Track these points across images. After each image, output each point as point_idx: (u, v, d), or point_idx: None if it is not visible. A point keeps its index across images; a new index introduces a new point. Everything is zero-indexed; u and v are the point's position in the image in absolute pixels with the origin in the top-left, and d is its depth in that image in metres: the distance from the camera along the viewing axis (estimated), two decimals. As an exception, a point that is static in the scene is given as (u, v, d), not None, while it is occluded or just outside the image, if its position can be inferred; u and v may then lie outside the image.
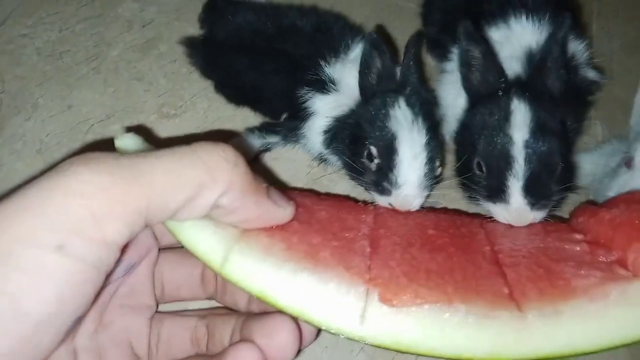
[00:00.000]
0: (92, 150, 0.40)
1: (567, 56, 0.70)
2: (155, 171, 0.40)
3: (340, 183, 0.73)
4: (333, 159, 0.72)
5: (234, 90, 0.81)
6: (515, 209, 0.61)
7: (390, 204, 0.63)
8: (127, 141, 0.50)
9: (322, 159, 0.73)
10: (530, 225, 0.61)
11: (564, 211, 0.65)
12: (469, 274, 0.50)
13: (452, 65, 0.75)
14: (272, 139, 0.75)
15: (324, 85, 0.71)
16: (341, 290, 0.46)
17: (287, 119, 0.77)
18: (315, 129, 0.71)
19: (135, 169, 0.39)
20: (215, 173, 0.42)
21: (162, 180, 0.40)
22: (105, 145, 0.74)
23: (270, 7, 0.79)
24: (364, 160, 0.65)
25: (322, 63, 0.71)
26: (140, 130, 0.77)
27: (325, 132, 0.70)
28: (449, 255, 0.52)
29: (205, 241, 0.47)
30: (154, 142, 0.74)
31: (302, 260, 0.48)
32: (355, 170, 0.66)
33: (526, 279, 0.49)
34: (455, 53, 0.75)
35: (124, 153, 0.47)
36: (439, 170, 0.67)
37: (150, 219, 0.40)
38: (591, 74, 0.75)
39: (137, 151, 0.49)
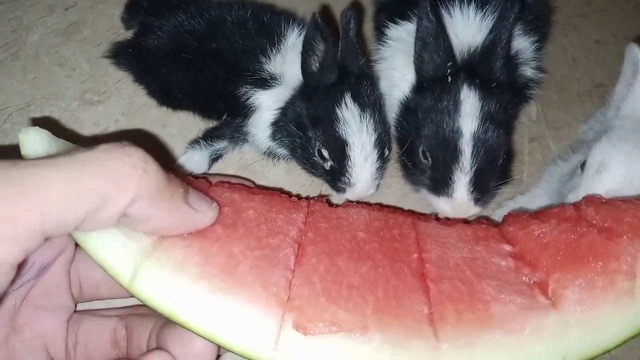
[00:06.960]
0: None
1: (512, 52, 0.67)
2: (50, 184, 0.36)
3: (274, 169, 0.70)
4: (281, 151, 0.70)
5: (168, 98, 0.75)
6: (459, 204, 0.61)
7: (347, 199, 0.65)
8: (33, 135, 0.44)
9: (270, 153, 0.70)
10: (462, 228, 0.60)
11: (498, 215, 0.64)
12: (391, 291, 0.49)
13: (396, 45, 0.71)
14: (219, 144, 0.70)
15: (265, 82, 0.67)
16: (256, 314, 0.44)
17: (228, 118, 0.72)
18: (261, 123, 0.68)
19: (25, 183, 0.35)
20: (121, 181, 0.39)
21: (58, 193, 0.36)
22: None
23: (196, 4, 0.72)
24: (316, 158, 0.65)
25: (262, 59, 0.67)
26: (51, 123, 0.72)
27: (272, 124, 0.67)
28: (375, 265, 0.51)
29: (113, 254, 0.44)
30: (69, 135, 0.70)
31: (217, 276, 0.45)
32: (309, 166, 0.66)
33: (447, 297, 0.49)
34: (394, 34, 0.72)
35: (24, 156, 0.44)
36: (387, 154, 0.68)
37: (50, 234, 0.37)
38: (530, 72, 0.72)
39: (43, 147, 0.45)
